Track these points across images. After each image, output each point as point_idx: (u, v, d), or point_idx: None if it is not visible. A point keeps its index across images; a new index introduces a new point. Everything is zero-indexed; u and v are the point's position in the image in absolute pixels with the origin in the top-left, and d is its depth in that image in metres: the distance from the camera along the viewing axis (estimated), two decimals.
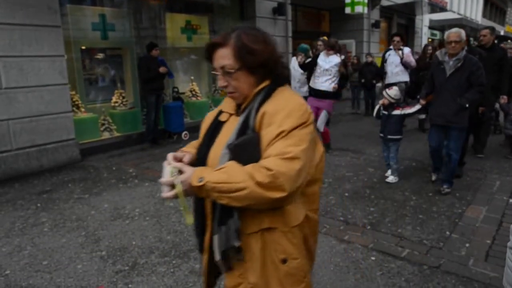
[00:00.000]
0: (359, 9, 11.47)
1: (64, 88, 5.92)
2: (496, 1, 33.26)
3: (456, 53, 4.02)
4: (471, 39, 7.69)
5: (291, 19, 10.47)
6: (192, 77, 8.76)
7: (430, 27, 20.30)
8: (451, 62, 4.05)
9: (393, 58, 7.15)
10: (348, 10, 11.64)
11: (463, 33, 4.00)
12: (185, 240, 3.38)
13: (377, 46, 14.20)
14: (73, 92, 6.59)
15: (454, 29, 4.08)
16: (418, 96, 4.68)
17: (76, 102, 6.62)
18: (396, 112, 4.58)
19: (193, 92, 8.70)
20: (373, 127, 7.03)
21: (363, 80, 9.74)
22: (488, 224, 3.55)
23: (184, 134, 7.60)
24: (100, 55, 7.49)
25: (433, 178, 4.68)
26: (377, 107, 4.79)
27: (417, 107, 4.53)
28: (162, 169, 1.45)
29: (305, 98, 5.89)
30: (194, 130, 8.14)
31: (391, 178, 4.74)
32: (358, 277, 2.76)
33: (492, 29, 5.58)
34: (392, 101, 4.56)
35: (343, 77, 5.90)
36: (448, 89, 4.08)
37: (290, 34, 10.24)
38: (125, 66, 7.71)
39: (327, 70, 5.83)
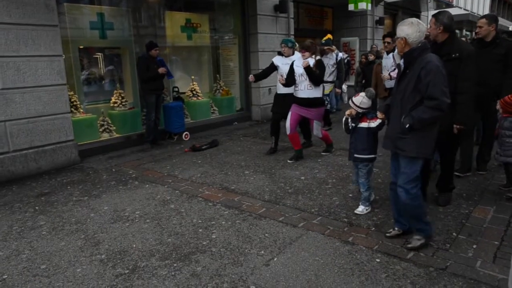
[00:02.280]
0: (362, 5, 11.44)
1: (62, 89, 5.94)
2: None
3: (400, 52, 3.09)
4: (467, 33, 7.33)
5: (293, 17, 10.48)
6: (193, 77, 8.78)
7: None
8: (403, 65, 3.13)
9: (385, 62, 6.46)
10: (351, 7, 11.62)
11: (401, 28, 3.01)
12: (186, 242, 3.39)
13: (381, 44, 14.20)
14: (72, 93, 6.62)
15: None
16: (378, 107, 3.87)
17: (75, 103, 6.65)
18: (363, 124, 3.78)
19: (194, 92, 8.71)
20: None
21: (363, 81, 9.10)
22: (496, 225, 3.54)
23: (185, 135, 7.62)
24: (99, 55, 7.52)
25: (389, 233, 3.38)
26: (344, 119, 3.96)
27: (378, 121, 3.66)
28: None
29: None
30: (195, 130, 8.17)
31: (360, 209, 3.88)
32: (363, 280, 2.76)
33: (492, 18, 4.55)
34: (359, 110, 3.77)
35: (314, 75, 5.46)
36: (396, 101, 3.13)
37: (292, 32, 10.24)
38: (124, 66, 7.74)
39: (302, 74, 5.54)
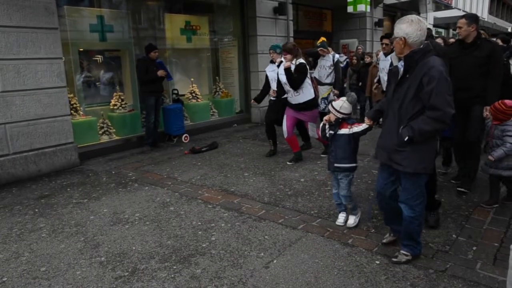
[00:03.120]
0: (361, 7, 11.46)
1: (62, 91, 5.94)
2: (508, 1, 33.20)
3: (399, 54, 2.77)
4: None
5: (292, 19, 10.49)
6: (192, 79, 8.78)
7: (435, 25, 20.30)
8: (402, 69, 2.80)
9: (383, 64, 6.30)
10: (350, 9, 11.64)
11: (399, 26, 2.71)
12: (186, 245, 3.38)
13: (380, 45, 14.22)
14: (71, 95, 6.61)
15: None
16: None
17: (75, 105, 6.64)
18: (343, 131, 3.46)
19: (193, 94, 8.71)
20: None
21: (360, 84, 8.99)
22: (496, 227, 3.54)
23: (185, 137, 7.61)
24: (99, 57, 7.52)
25: (384, 239, 3.28)
26: (321, 125, 3.65)
27: (364, 126, 3.38)
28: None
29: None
30: (194, 132, 8.16)
31: (352, 221, 3.63)
32: (363, 282, 2.75)
33: (471, 18, 4.15)
34: (338, 115, 3.46)
35: (291, 78, 5.41)
36: (393, 109, 2.82)
37: (291, 34, 10.26)
38: (124, 68, 7.74)
39: (286, 83, 5.47)
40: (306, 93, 5.57)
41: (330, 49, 8.10)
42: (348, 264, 2.99)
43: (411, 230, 2.90)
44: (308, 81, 5.60)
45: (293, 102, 5.63)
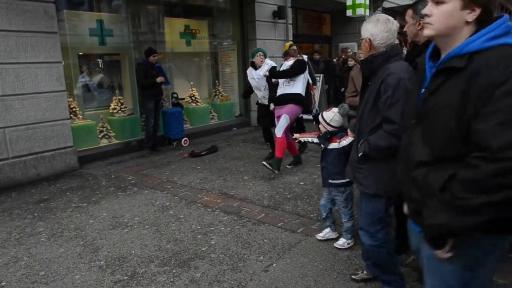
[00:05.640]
0: (360, 11, 11.48)
1: (62, 95, 5.95)
2: (502, 1, 33.35)
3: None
4: None
5: (292, 23, 10.53)
6: (192, 82, 8.80)
7: None
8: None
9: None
10: (349, 12, 11.66)
11: (365, 27, 2.44)
12: (185, 248, 3.38)
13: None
14: (71, 99, 6.62)
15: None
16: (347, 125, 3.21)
17: (74, 109, 6.65)
18: (333, 145, 3.20)
19: (193, 98, 8.73)
20: None
21: (342, 89, 8.50)
22: None
23: (184, 141, 7.62)
24: (98, 61, 7.54)
25: (354, 276, 2.84)
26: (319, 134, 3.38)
27: (349, 139, 3.10)
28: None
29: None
30: (194, 136, 8.17)
31: (341, 242, 3.29)
32: (362, 285, 2.75)
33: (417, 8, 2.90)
34: (328, 128, 3.19)
35: (278, 75, 5.69)
36: (359, 120, 2.50)
37: (290, 37, 10.28)
38: (124, 72, 7.76)
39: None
40: (297, 86, 5.52)
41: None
42: (348, 267, 2.99)
43: (381, 262, 2.49)
44: (303, 79, 5.60)
45: (281, 92, 5.55)
